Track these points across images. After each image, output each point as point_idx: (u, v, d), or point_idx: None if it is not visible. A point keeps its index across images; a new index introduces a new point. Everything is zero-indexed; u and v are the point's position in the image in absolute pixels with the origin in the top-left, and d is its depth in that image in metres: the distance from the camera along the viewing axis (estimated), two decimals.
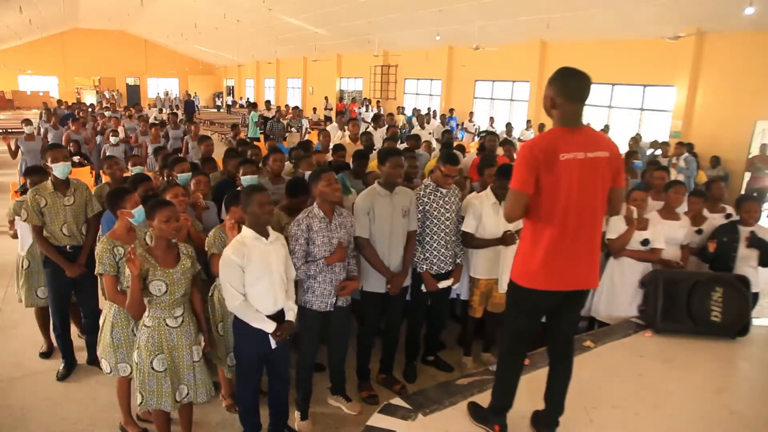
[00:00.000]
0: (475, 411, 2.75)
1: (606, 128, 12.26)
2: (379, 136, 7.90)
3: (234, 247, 2.84)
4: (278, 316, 2.95)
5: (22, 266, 3.99)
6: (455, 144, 7.62)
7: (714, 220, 4.34)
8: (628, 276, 3.99)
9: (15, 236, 4.14)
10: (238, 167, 4.38)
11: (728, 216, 4.42)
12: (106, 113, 14.27)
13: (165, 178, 4.67)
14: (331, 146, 6.49)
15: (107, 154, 7.47)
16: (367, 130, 8.80)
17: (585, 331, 4.12)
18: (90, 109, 16.27)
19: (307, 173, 4.30)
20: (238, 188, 3.88)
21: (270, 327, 2.88)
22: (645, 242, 3.92)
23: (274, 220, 3.61)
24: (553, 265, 2.30)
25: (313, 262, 3.17)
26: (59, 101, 18.23)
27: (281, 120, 11.70)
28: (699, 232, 4.25)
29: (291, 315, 2.99)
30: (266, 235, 2.89)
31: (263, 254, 2.85)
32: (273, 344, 2.93)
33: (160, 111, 17.68)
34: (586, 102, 2.30)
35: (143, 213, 3.09)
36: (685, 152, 8.77)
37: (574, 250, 2.29)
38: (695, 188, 4.50)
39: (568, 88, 2.25)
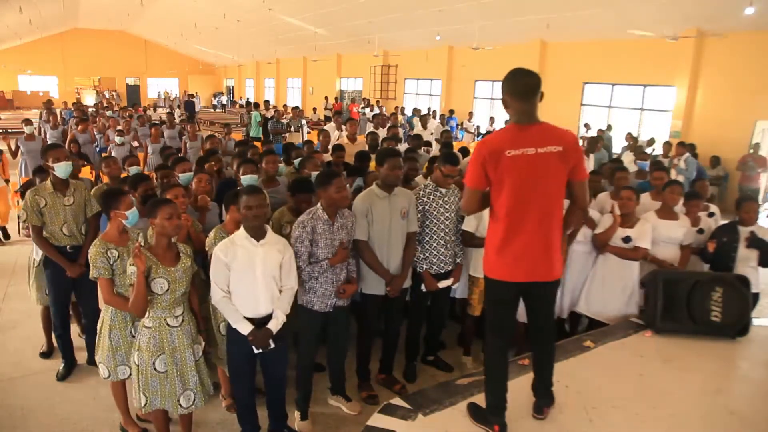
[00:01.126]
0: (474, 411, 2.77)
1: (609, 128, 12.27)
2: (380, 136, 7.89)
3: (222, 245, 2.86)
4: (265, 322, 2.91)
5: (33, 264, 3.99)
6: (460, 146, 7.59)
7: (705, 218, 4.36)
8: (613, 273, 4.01)
9: (28, 235, 4.11)
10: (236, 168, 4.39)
11: (711, 215, 4.44)
12: (108, 113, 14.28)
13: (160, 180, 4.61)
14: (330, 146, 6.49)
15: (112, 154, 7.48)
16: (372, 129, 8.79)
17: (585, 331, 4.13)
18: (93, 109, 16.26)
19: (313, 173, 4.29)
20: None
21: (245, 329, 2.84)
22: (627, 239, 3.93)
23: (275, 218, 3.61)
24: (506, 257, 2.40)
25: (317, 263, 3.16)
26: (49, 100, 18.06)
27: (281, 120, 11.71)
28: (700, 231, 4.25)
29: (273, 324, 2.90)
30: (259, 237, 2.88)
31: (249, 255, 2.84)
32: (254, 349, 2.88)
33: (155, 110, 17.64)
34: (535, 99, 2.35)
35: (137, 215, 3.08)
36: (687, 153, 8.76)
37: (526, 243, 2.36)
38: (690, 191, 4.50)
39: (516, 87, 2.34)
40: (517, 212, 2.34)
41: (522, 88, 2.32)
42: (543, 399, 2.76)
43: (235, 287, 2.86)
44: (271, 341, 2.89)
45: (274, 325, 2.90)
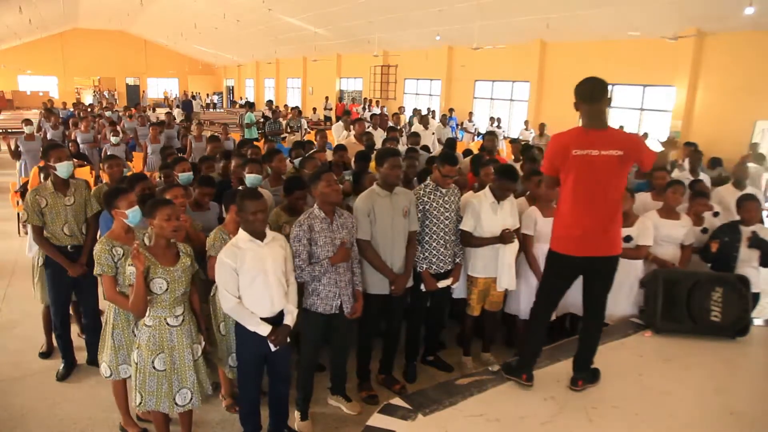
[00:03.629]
0: (506, 367, 3.14)
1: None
2: (378, 136, 7.90)
3: (228, 250, 2.85)
4: (278, 319, 2.94)
5: (38, 263, 3.96)
6: (464, 148, 7.59)
7: (709, 218, 4.34)
8: (618, 273, 3.97)
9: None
10: (241, 167, 4.39)
11: (716, 214, 4.43)
12: (106, 113, 14.28)
13: (162, 178, 4.63)
14: (334, 145, 6.49)
15: (108, 153, 7.47)
16: (368, 130, 8.79)
17: None
18: (90, 110, 16.28)
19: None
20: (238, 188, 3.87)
21: (265, 330, 2.87)
22: (627, 239, 3.89)
23: (272, 219, 3.61)
24: (567, 234, 2.82)
25: (317, 263, 3.15)
26: (50, 100, 18.05)
27: (278, 120, 11.69)
28: (704, 231, 4.24)
29: (289, 319, 2.97)
30: (262, 237, 2.89)
31: (257, 256, 2.84)
32: (272, 347, 2.92)
33: (153, 110, 17.72)
34: (606, 105, 2.74)
35: (139, 214, 3.07)
36: None
37: (583, 224, 2.76)
38: (697, 189, 4.50)
39: (582, 91, 2.70)
40: (579, 200, 2.75)
41: (588, 91, 2.69)
42: (579, 372, 3.01)
43: (246, 290, 2.85)
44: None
45: (290, 321, 2.97)
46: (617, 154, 2.66)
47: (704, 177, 6.36)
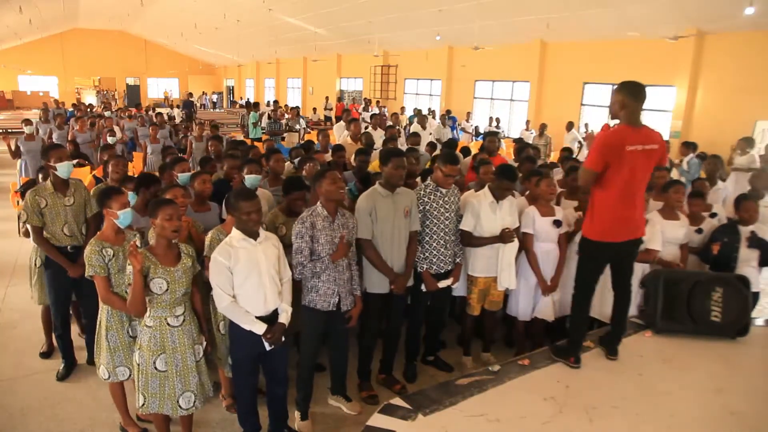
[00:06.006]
0: (555, 349, 3.40)
1: (591, 134, 12.25)
2: (378, 136, 7.91)
3: (221, 249, 2.85)
4: (272, 318, 2.94)
5: (35, 264, 3.96)
6: (462, 146, 7.61)
7: (709, 219, 4.34)
8: None
9: (27, 235, 4.09)
10: (239, 168, 4.38)
11: (713, 215, 4.43)
12: (106, 113, 14.28)
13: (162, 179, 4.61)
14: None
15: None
16: (367, 129, 8.80)
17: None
18: (89, 110, 16.27)
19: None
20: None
21: (260, 329, 2.86)
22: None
23: (269, 220, 3.61)
24: (615, 223, 3.10)
25: (318, 259, 3.16)
26: (44, 103, 18.00)
27: (278, 120, 11.69)
28: (699, 231, 4.24)
29: (284, 317, 2.96)
30: (255, 236, 2.89)
31: (251, 254, 2.84)
32: (267, 346, 2.92)
33: (153, 110, 17.76)
34: (642, 105, 3.00)
35: (130, 216, 3.06)
36: (691, 154, 8.65)
37: (627, 212, 3.09)
38: (693, 189, 4.51)
39: (635, 91, 2.95)
40: (628, 191, 3.05)
41: (638, 92, 2.95)
42: (611, 346, 3.40)
43: (240, 289, 2.85)
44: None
45: (285, 319, 2.96)
46: (655, 148, 3.01)
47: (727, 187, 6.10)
